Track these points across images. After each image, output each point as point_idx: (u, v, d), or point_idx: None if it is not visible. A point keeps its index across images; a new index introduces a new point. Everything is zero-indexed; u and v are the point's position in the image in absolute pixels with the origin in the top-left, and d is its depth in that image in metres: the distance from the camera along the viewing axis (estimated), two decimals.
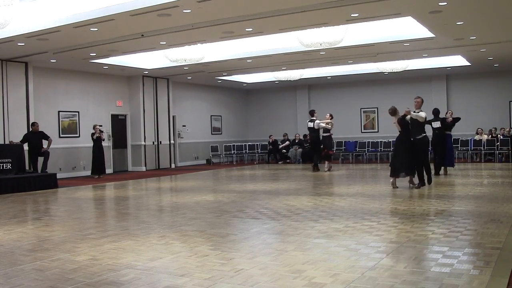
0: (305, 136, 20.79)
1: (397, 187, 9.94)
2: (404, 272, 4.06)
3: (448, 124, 12.82)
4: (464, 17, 10.39)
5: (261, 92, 23.59)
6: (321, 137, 15.00)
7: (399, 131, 10.09)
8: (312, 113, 15.06)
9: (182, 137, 20.33)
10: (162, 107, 18.78)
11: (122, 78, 17.89)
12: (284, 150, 20.58)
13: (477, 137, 18.03)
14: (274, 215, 7.16)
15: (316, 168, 14.92)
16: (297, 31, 11.48)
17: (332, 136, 15.61)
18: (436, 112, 12.60)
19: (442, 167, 12.87)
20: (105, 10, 9.39)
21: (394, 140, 10.89)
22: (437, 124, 12.50)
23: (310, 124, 14.89)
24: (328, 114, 15.31)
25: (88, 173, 15.79)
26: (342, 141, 20.53)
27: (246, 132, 24.01)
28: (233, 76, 19.51)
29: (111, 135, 17.32)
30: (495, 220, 6.34)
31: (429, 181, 10.30)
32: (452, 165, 13.23)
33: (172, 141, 19.22)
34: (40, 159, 13.20)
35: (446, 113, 13.39)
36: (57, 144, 14.84)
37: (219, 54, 14.88)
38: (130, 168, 18.01)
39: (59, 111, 15.70)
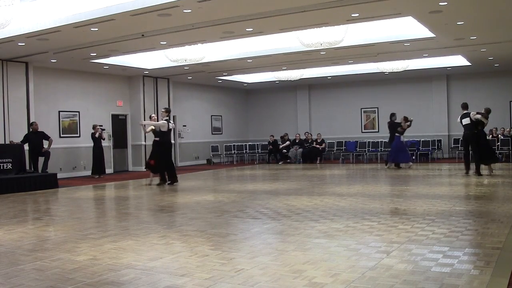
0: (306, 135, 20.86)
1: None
2: (404, 272, 4.06)
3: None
4: (464, 17, 10.38)
5: (261, 92, 23.60)
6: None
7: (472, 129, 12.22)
8: (169, 110, 12.22)
9: (183, 137, 20.33)
10: (163, 107, 18.72)
11: (123, 78, 17.89)
12: (285, 150, 20.58)
13: None
14: (274, 215, 7.16)
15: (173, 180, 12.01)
16: (297, 31, 11.48)
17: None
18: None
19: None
20: (105, 10, 9.39)
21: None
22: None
23: (172, 125, 12.20)
24: (160, 112, 12.38)
25: (89, 173, 15.79)
26: (342, 141, 20.56)
27: (246, 132, 24.01)
28: (233, 76, 19.51)
29: (112, 135, 17.33)
30: (495, 220, 6.34)
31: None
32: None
33: (172, 141, 19.17)
34: (41, 159, 13.22)
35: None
36: (57, 144, 14.84)
37: (219, 54, 14.88)
38: (130, 168, 18.02)
39: (59, 111, 15.71)
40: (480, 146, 12.31)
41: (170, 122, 12.00)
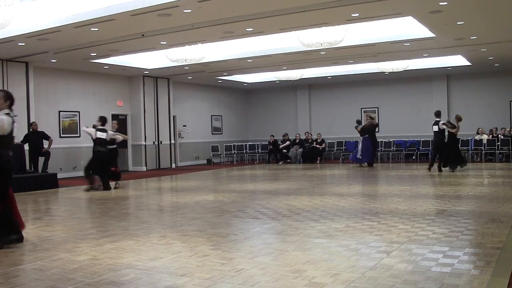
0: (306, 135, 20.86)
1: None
2: (404, 272, 4.06)
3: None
4: (464, 17, 10.38)
5: (261, 92, 23.59)
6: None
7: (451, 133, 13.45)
8: (104, 120, 11.86)
9: (183, 137, 20.33)
10: (163, 107, 18.78)
11: (123, 78, 17.89)
12: (285, 150, 20.58)
13: (477, 137, 18.03)
14: (274, 215, 7.16)
15: (107, 187, 11.64)
16: (297, 31, 11.48)
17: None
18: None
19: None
20: (106, 10, 9.39)
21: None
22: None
23: (103, 135, 11.69)
24: (115, 122, 12.79)
25: None
26: (342, 141, 20.55)
27: (246, 132, 24.00)
28: (233, 76, 19.51)
29: None
30: (495, 220, 6.34)
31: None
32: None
33: (172, 141, 19.22)
34: (41, 159, 13.21)
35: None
36: (57, 144, 14.84)
37: (219, 54, 14.87)
38: (130, 168, 18.01)
39: (59, 111, 15.71)
40: (447, 151, 13.54)
41: (99, 132, 11.64)
